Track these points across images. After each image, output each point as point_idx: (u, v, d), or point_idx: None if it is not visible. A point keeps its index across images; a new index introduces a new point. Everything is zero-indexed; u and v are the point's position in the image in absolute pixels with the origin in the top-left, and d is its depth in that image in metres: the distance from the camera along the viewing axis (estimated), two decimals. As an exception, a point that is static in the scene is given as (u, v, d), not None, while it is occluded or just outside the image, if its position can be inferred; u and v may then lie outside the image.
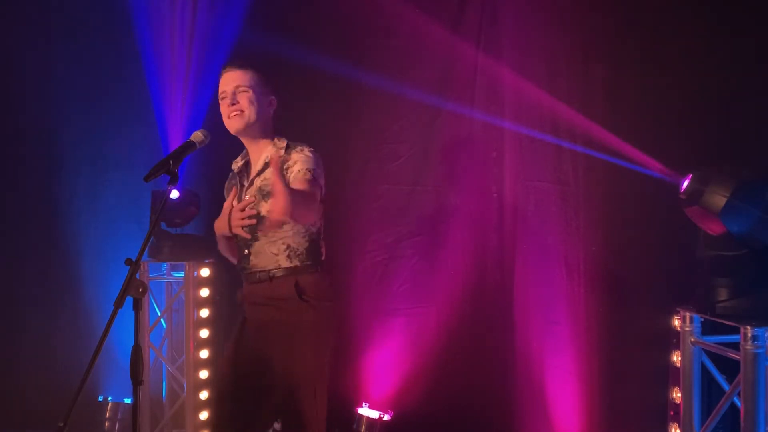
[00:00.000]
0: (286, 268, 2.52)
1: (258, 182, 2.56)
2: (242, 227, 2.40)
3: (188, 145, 2.38)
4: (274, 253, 2.52)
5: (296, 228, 2.51)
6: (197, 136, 2.42)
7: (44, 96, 4.35)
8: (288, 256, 2.52)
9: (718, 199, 2.70)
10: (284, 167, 2.49)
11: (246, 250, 2.58)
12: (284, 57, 3.73)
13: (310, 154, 2.53)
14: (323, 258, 2.62)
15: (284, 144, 2.60)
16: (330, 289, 2.60)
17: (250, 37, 3.97)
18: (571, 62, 3.60)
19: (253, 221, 2.40)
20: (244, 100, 2.55)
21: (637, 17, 3.48)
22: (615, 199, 3.50)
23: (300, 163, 2.49)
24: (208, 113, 4.03)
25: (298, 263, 2.52)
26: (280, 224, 2.40)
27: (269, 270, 2.52)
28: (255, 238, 2.54)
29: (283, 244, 2.52)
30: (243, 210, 2.39)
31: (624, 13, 3.50)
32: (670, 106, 3.37)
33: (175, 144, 4.04)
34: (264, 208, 2.49)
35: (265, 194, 2.51)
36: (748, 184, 2.71)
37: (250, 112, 2.54)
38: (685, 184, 2.88)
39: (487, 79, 3.82)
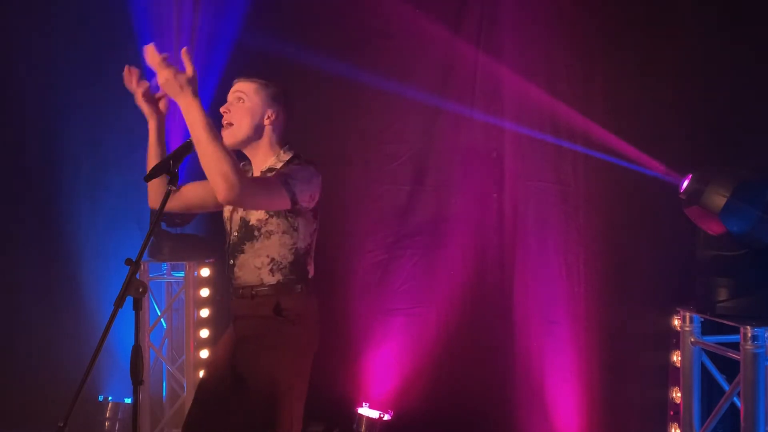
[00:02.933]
0: (269, 286, 2.44)
1: None
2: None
3: (188, 145, 2.37)
4: (257, 267, 2.45)
5: (283, 239, 2.44)
6: (197, 136, 2.42)
7: (44, 96, 4.35)
8: (271, 270, 2.45)
9: (718, 199, 2.71)
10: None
11: (231, 260, 2.53)
12: (284, 57, 3.73)
13: (299, 166, 2.43)
14: (310, 276, 2.54)
15: (288, 157, 2.52)
16: (314, 312, 2.51)
17: (250, 37, 3.96)
18: (571, 62, 3.60)
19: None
20: (237, 110, 2.48)
21: (637, 17, 3.48)
22: (615, 199, 3.50)
23: (283, 168, 2.42)
24: (208, 113, 4.03)
25: (281, 277, 2.44)
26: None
27: (252, 287, 2.46)
28: (241, 250, 2.49)
29: (267, 256, 2.44)
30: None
31: (624, 14, 3.50)
32: (670, 106, 3.37)
33: (175, 144, 4.04)
34: (254, 216, 2.45)
35: None
36: (748, 184, 2.71)
37: (238, 125, 2.47)
38: (685, 184, 2.89)
39: (487, 80, 3.82)
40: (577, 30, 3.58)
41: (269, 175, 2.43)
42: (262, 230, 2.45)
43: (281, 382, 2.36)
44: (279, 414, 2.34)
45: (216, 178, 2.13)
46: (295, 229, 2.44)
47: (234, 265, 2.51)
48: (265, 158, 2.54)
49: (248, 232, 2.47)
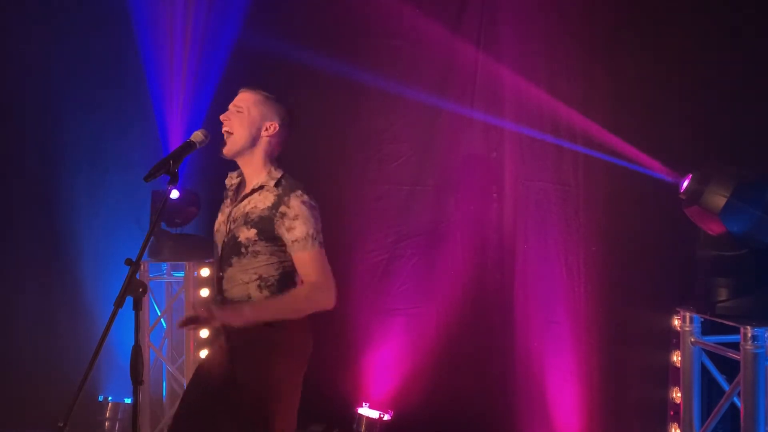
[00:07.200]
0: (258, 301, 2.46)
1: (247, 207, 2.50)
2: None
3: (188, 145, 2.39)
4: (245, 282, 2.47)
5: (270, 260, 2.46)
6: (197, 136, 2.42)
7: (44, 96, 4.35)
8: (258, 287, 2.47)
9: (718, 199, 2.71)
10: (279, 210, 2.42)
11: (221, 273, 2.54)
12: (284, 57, 3.74)
13: (309, 208, 2.44)
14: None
15: (279, 175, 2.52)
16: (303, 318, 2.49)
17: (250, 36, 3.97)
18: (571, 62, 3.60)
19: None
20: (235, 119, 2.50)
21: (637, 17, 3.48)
22: (615, 199, 3.50)
23: (302, 222, 2.40)
24: (208, 113, 4.04)
25: (268, 293, 2.46)
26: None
27: (241, 302, 2.47)
28: (229, 263, 2.50)
29: (255, 273, 2.47)
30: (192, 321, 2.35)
31: (624, 14, 3.50)
32: (671, 106, 3.37)
33: (175, 144, 4.05)
34: (243, 234, 2.46)
35: (248, 221, 2.47)
36: (748, 184, 2.71)
37: (238, 134, 2.49)
38: (685, 184, 2.89)
39: (487, 79, 3.82)
40: (578, 30, 3.58)
41: (300, 239, 2.42)
42: (250, 249, 2.46)
43: (273, 390, 2.40)
44: (271, 423, 2.37)
45: (318, 309, 2.41)
46: (284, 251, 2.46)
47: (223, 277, 2.53)
48: (256, 173, 2.54)
49: (235, 247, 2.48)
